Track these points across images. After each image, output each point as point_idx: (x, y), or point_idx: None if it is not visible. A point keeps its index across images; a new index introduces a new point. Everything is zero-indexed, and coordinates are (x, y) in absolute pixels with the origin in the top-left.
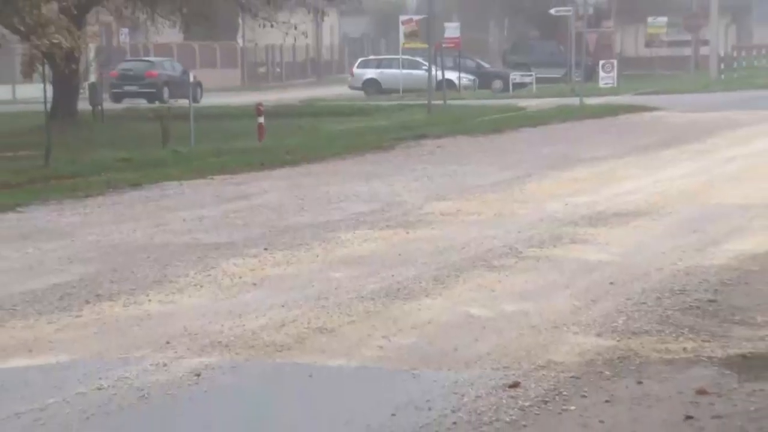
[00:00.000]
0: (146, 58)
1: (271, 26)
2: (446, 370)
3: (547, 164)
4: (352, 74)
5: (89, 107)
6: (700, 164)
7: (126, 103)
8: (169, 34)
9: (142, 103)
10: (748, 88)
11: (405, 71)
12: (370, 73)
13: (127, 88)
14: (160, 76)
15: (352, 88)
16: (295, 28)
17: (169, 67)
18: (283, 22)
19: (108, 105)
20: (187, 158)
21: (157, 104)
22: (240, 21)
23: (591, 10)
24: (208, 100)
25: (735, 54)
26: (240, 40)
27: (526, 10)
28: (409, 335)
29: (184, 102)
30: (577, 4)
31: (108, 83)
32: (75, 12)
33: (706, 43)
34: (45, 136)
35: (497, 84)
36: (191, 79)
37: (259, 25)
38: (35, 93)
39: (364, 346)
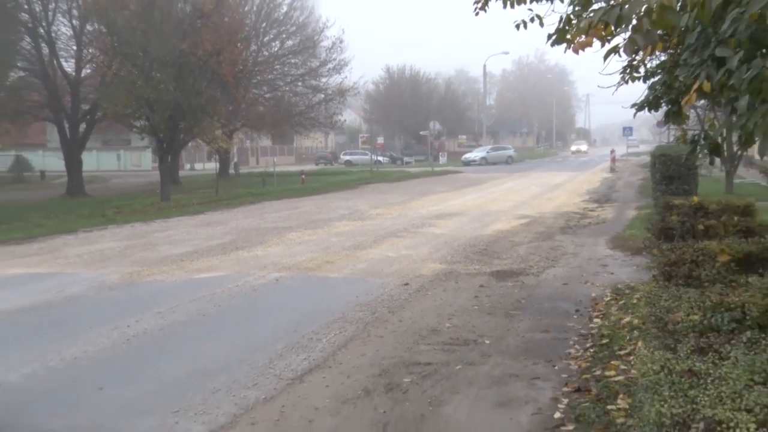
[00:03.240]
0: (326, 151)
1: (306, 138)
2: (378, 278)
3: (418, 193)
4: (339, 158)
5: (233, 171)
6: (480, 194)
7: (262, 169)
8: (265, 141)
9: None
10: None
11: (362, 157)
12: (348, 157)
13: (324, 161)
14: (337, 156)
15: (340, 164)
16: (317, 138)
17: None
18: (312, 136)
19: (279, 168)
20: (273, 191)
21: (324, 165)
22: (294, 136)
23: (436, 132)
24: (280, 168)
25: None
26: (294, 144)
27: (410, 131)
28: (364, 264)
29: (340, 165)
30: (430, 129)
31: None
32: (228, 133)
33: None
34: (215, 183)
35: (399, 162)
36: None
37: (302, 138)
38: (212, 166)
39: (345, 268)
